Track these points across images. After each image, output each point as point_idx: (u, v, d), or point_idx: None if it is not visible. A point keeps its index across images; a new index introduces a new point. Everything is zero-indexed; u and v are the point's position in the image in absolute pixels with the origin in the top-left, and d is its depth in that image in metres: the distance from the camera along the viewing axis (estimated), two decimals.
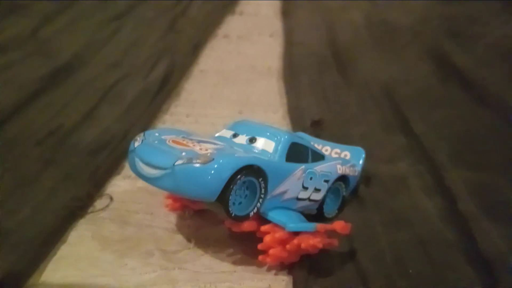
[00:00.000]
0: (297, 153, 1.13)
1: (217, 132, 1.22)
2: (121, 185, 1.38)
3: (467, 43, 2.27)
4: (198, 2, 2.98)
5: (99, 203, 1.28)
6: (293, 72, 2.22)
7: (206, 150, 1.01)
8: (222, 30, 2.71)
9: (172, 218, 1.24)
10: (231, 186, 0.94)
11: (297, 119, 1.82)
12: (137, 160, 1.04)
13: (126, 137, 1.60)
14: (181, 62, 2.27)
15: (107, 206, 1.26)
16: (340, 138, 1.54)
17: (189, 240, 1.15)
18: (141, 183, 1.30)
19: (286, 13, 2.92)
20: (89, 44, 2.33)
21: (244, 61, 2.35)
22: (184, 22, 2.72)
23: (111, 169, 1.44)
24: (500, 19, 2.34)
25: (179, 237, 1.16)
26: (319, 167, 1.17)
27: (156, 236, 1.17)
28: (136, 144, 1.08)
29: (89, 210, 1.24)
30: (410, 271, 1.09)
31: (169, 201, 1.22)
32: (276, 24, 2.80)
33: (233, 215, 0.99)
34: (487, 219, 1.24)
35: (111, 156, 1.50)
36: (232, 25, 2.79)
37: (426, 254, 1.14)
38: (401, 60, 2.28)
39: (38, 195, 1.26)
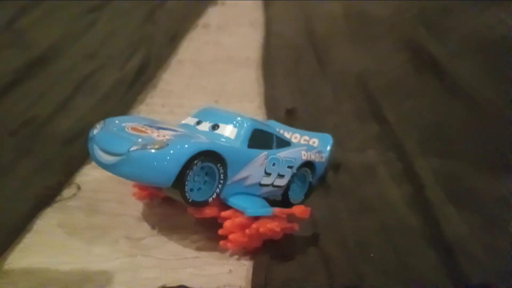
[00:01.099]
0: (260, 140, 1.15)
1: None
2: (92, 174, 1.39)
3: (441, 34, 2.29)
4: None
5: (67, 192, 1.28)
6: (270, 62, 2.23)
7: (164, 136, 1.02)
8: (203, 20, 2.70)
9: (141, 206, 1.25)
10: (187, 172, 0.95)
11: (272, 109, 1.83)
12: (95, 147, 1.05)
13: None
14: (158, 52, 2.27)
15: (74, 195, 1.27)
16: (313, 127, 1.56)
17: (154, 228, 1.17)
18: None
19: (267, 3, 2.92)
20: (65, 36, 2.32)
21: (222, 51, 2.36)
22: (162, 13, 2.71)
23: (84, 159, 1.45)
24: (474, 10, 2.37)
25: (146, 225, 1.18)
26: (283, 153, 1.19)
27: (124, 224, 1.18)
28: (95, 131, 1.09)
29: (57, 199, 1.25)
30: (372, 255, 1.11)
31: (136, 190, 1.24)
32: (256, 15, 2.80)
33: (190, 200, 1.00)
34: (452, 206, 1.27)
35: (85, 146, 1.50)
36: (212, 15, 2.78)
37: (390, 239, 1.17)
38: (376, 50, 2.29)
39: (12, 185, 1.28)
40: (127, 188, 1.29)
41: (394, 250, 1.15)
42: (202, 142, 1.01)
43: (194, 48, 2.38)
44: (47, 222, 1.18)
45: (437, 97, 1.89)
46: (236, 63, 2.25)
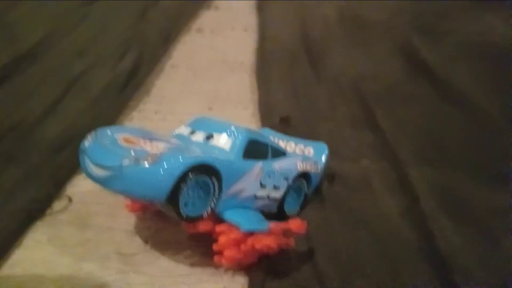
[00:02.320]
0: (255, 151, 1.12)
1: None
2: (83, 185, 1.35)
3: (436, 39, 2.29)
4: None
5: (57, 205, 1.26)
6: (264, 67, 2.22)
7: (157, 148, 0.99)
8: (196, 24, 2.68)
9: (133, 219, 1.23)
10: (181, 186, 0.93)
11: (266, 116, 1.81)
12: (87, 160, 1.02)
13: None
14: (151, 53, 2.24)
15: (65, 207, 1.24)
16: (307, 134, 1.55)
17: (147, 243, 1.14)
18: None
19: (261, 7, 2.90)
20: (54, 30, 2.26)
21: (216, 56, 2.33)
22: (155, 12, 2.68)
23: (74, 169, 1.41)
24: (469, 16, 2.37)
25: (138, 240, 1.15)
26: (278, 164, 1.17)
27: (115, 239, 1.16)
28: (87, 143, 1.06)
29: (47, 212, 1.22)
30: (369, 271, 1.10)
31: (128, 202, 1.21)
32: (250, 19, 2.79)
33: (184, 216, 0.97)
34: (446, 217, 1.26)
35: (74, 155, 1.46)
36: (206, 19, 2.76)
37: (384, 252, 1.16)
38: (371, 55, 2.29)
39: None
40: (118, 200, 1.26)
41: (388, 263, 1.13)
42: (196, 156, 0.98)
43: (187, 52, 2.36)
44: (37, 237, 1.14)
45: (431, 103, 1.89)
46: (230, 67, 2.24)
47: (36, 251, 1.10)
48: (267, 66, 2.23)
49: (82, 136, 1.57)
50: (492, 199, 1.32)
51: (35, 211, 1.21)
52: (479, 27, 2.36)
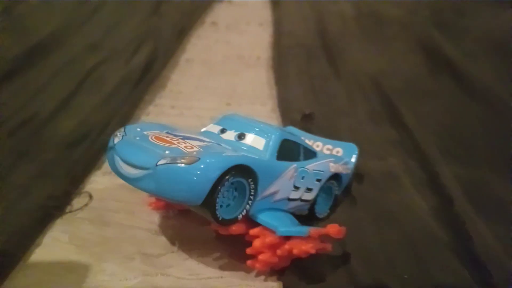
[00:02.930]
0: (288, 151, 1.06)
1: (203, 126, 1.15)
2: (101, 181, 1.30)
3: (456, 35, 2.26)
4: None
5: (77, 202, 1.20)
6: (281, 63, 2.16)
7: (192, 148, 0.93)
8: (210, 18, 2.61)
9: (155, 218, 1.17)
10: (219, 188, 0.87)
11: (286, 112, 1.76)
12: (116, 158, 0.96)
13: (106, 129, 1.52)
14: (165, 47, 2.18)
15: (86, 205, 1.18)
16: (328, 130, 1.51)
17: (173, 243, 1.08)
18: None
19: (275, 2, 2.84)
20: (66, 23, 2.22)
21: (232, 50, 2.27)
22: (168, 6, 2.62)
23: (90, 165, 1.36)
24: (488, 13, 2.33)
25: (162, 239, 1.09)
26: (311, 166, 1.11)
27: (137, 239, 1.10)
28: (116, 140, 0.99)
29: (67, 210, 1.16)
30: (405, 276, 1.05)
31: (153, 199, 1.15)
32: (265, 14, 2.72)
33: (220, 219, 0.92)
34: (482, 220, 1.22)
35: (90, 150, 1.42)
36: (220, 13, 2.69)
37: (416, 253, 1.12)
38: (390, 51, 2.24)
39: (10, 193, 1.18)
40: (139, 197, 1.20)
41: (422, 264, 1.09)
42: (234, 156, 0.92)
43: (202, 46, 2.30)
44: (57, 235, 1.09)
45: (454, 99, 1.86)
46: (246, 63, 2.17)
47: (56, 250, 1.05)
48: (284, 61, 2.17)
49: (96, 132, 1.54)
50: None
51: (53, 209, 1.15)
52: (499, 24, 2.32)
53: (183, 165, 0.86)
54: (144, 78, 1.91)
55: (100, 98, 1.72)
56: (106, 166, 1.36)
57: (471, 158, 1.48)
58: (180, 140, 0.97)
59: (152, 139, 0.97)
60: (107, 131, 1.50)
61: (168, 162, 0.88)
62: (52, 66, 1.87)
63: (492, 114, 1.69)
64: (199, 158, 0.86)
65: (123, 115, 1.64)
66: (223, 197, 0.91)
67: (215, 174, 0.86)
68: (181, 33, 2.36)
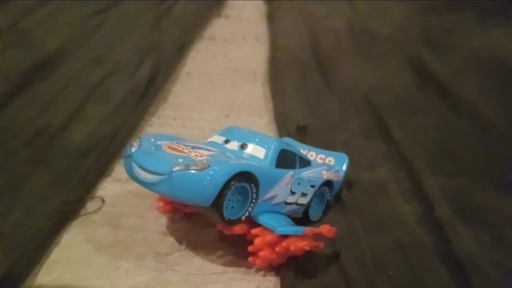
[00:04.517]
0: (285, 160, 1.19)
1: (204, 136, 1.27)
2: (111, 188, 1.40)
3: (444, 53, 2.35)
4: (183, 2, 2.98)
5: (90, 206, 1.30)
6: (277, 76, 2.27)
7: (201, 156, 1.05)
8: (208, 32, 2.73)
9: (163, 221, 1.27)
10: (225, 192, 0.99)
11: (282, 125, 1.86)
12: (134, 165, 1.07)
13: (115, 139, 1.62)
14: (167, 61, 2.29)
15: (99, 208, 1.29)
16: (323, 143, 1.60)
17: (180, 243, 1.19)
18: (131, 186, 1.35)
19: (271, 17, 2.96)
20: (72, 37, 2.30)
21: (230, 64, 2.39)
22: (168, 21, 2.72)
23: (101, 172, 1.46)
24: (476, 31, 2.43)
25: (171, 240, 1.20)
26: (306, 173, 1.23)
27: (148, 239, 1.20)
28: (133, 149, 1.12)
29: (81, 213, 1.26)
30: (390, 272, 1.15)
31: (160, 204, 1.26)
32: (260, 28, 2.84)
33: (226, 219, 1.04)
34: (461, 224, 1.31)
35: (101, 159, 1.52)
36: (217, 27, 2.81)
37: (405, 257, 1.21)
38: (381, 68, 2.34)
39: (29, 198, 1.28)
40: (147, 202, 1.32)
41: (410, 267, 1.18)
42: (239, 164, 1.05)
43: (201, 60, 2.41)
44: (73, 236, 1.19)
45: (442, 115, 1.94)
46: (243, 76, 2.29)
47: (73, 250, 1.15)
48: (280, 75, 2.28)
49: (106, 141, 1.65)
50: (505, 206, 1.37)
51: (69, 212, 1.25)
52: (486, 42, 2.41)
53: (195, 171, 0.98)
54: (148, 91, 2.01)
55: (108, 109, 1.82)
56: (115, 173, 1.47)
57: (456, 169, 1.57)
58: (191, 150, 1.09)
59: (166, 148, 1.10)
60: (115, 141, 1.61)
61: (182, 168, 1.00)
62: (60, 79, 1.96)
63: (477, 129, 1.77)
64: (209, 166, 0.99)
65: (129, 126, 1.74)
66: (229, 200, 1.03)
67: (222, 180, 0.98)
68: (181, 47, 2.47)
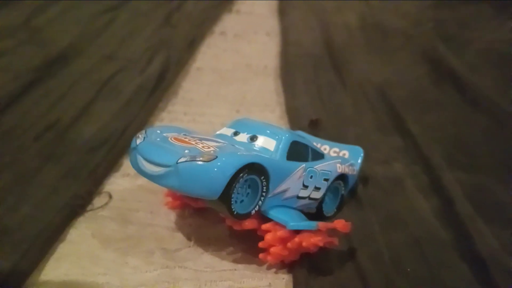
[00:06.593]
0: (297, 152, 1.14)
1: (215, 131, 1.23)
2: (121, 183, 1.38)
3: (459, 47, 2.31)
4: None
5: (97, 201, 1.28)
6: (289, 71, 2.23)
7: (209, 148, 1.01)
8: (219, 27, 2.70)
9: (173, 216, 1.25)
10: (234, 184, 0.95)
11: (294, 119, 1.83)
12: (139, 157, 1.04)
13: (125, 134, 1.60)
14: (177, 57, 2.27)
15: (106, 204, 1.26)
16: (336, 138, 1.56)
17: (189, 239, 1.16)
18: (141, 181, 1.32)
19: (282, 12, 2.93)
20: (83, 34, 2.32)
21: (241, 59, 2.36)
22: (179, 17, 2.71)
23: (111, 167, 1.44)
24: (491, 24, 2.39)
25: (180, 236, 1.17)
26: (319, 166, 1.19)
27: (157, 235, 1.17)
28: (138, 141, 1.08)
29: (88, 208, 1.24)
30: (408, 269, 1.11)
31: (169, 199, 1.23)
32: (271, 23, 2.81)
33: (235, 213, 0.99)
34: (482, 220, 1.27)
35: (111, 154, 1.50)
36: (228, 23, 2.78)
37: (422, 253, 1.17)
38: (395, 62, 2.30)
39: (38, 193, 1.26)
40: (157, 198, 1.29)
41: (427, 263, 1.15)
42: (248, 155, 1.00)
43: (212, 55, 2.39)
44: (80, 231, 1.17)
45: (458, 109, 1.90)
46: (254, 71, 2.25)
47: (81, 245, 1.12)
48: (292, 70, 2.25)
49: (116, 137, 1.63)
50: None
51: (78, 207, 1.23)
52: (501, 35, 2.37)
53: (201, 162, 0.94)
54: (159, 86, 2.00)
55: (118, 105, 1.81)
56: (124, 168, 1.45)
57: (473, 164, 1.54)
58: (198, 141, 1.05)
59: (172, 140, 1.06)
60: (125, 136, 1.59)
61: (188, 159, 0.96)
62: (71, 76, 1.97)
63: (494, 123, 1.74)
64: (216, 157, 0.94)
65: (139, 121, 1.73)
66: (238, 193, 0.99)
67: (230, 171, 0.94)
68: (192, 43, 2.45)
